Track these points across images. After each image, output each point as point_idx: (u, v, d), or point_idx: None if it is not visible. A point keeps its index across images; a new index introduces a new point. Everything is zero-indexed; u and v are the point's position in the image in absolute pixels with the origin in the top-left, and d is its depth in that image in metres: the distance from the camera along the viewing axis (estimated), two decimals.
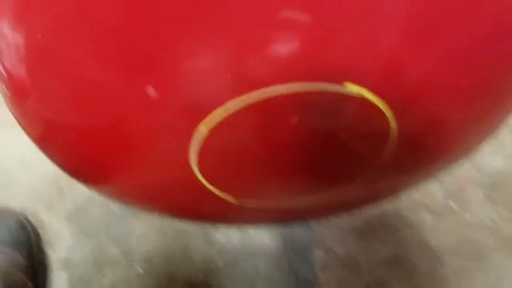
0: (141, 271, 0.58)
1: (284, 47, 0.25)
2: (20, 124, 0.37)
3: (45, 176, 0.63)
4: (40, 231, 0.59)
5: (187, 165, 0.32)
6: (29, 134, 0.37)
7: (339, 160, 0.33)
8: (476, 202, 0.68)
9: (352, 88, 0.27)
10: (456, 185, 0.69)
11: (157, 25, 0.25)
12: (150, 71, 0.26)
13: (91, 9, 0.25)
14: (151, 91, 0.26)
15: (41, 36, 0.28)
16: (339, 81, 0.27)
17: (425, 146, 0.35)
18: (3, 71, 0.32)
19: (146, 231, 0.61)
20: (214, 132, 0.29)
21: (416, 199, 0.68)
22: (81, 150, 0.35)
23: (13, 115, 0.36)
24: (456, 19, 0.28)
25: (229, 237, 0.62)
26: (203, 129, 0.29)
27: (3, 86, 0.33)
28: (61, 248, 0.59)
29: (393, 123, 0.30)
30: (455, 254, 0.64)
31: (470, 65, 0.30)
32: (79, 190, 0.62)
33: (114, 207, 0.62)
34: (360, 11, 0.25)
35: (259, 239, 0.62)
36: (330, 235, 0.64)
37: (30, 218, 0.60)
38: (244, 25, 0.24)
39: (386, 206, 0.67)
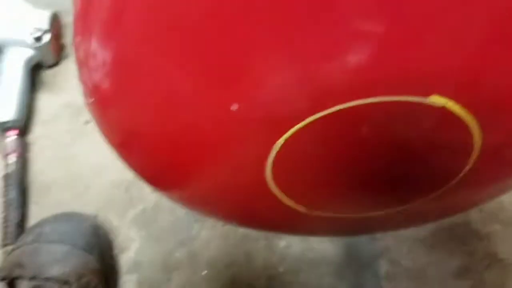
0: (205, 273, 0.59)
1: (364, 61, 0.25)
2: (101, 131, 0.38)
3: (117, 184, 0.66)
4: (111, 236, 0.62)
5: (262, 177, 0.32)
6: (110, 141, 0.39)
7: (417, 175, 0.32)
8: None
9: (437, 100, 0.26)
10: None
11: (242, 41, 0.25)
12: (234, 86, 0.27)
13: (178, 26, 0.26)
14: (235, 107, 0.27)
15: (129, 54, 0.30)
16: (423, 94, 0.26)
17: (507, 158, 0.34)
18: (89, 81, 0.34)
19: (210, 236, 0.62)
20: (289, 143, 0.29)
21: (486, 210, 0.65)
22: (160, 158, 0.36)
23: (96, 122, 0.38)
24: None
25: (291, 244, 0.62)
26: (281, 142, 0.29)
27: (88, 95, 0.35)
28: (131, 252, 0.61)
29: (477, 135, 0.29)
30: None
31: None
32: (148, 197, 0.65)
33: (180, 213, 0.64)
34: (441, 20, 0.25)
35: (322, 248, 0.62)
36: (396, 247, 0.62)
37: (102, 223, 0.62)
38: (324, 41, 0.24)
39: (454, 218, 0.65)
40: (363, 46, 0.25)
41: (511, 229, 0.64)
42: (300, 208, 0.36)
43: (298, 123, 0.28)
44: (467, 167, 0.32)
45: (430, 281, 0.60)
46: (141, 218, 0.64)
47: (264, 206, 0.38)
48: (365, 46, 0.25)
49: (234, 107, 0.27)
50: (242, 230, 0.63)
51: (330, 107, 0.27)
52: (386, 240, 0.62)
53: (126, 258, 0.61)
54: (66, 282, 0.49)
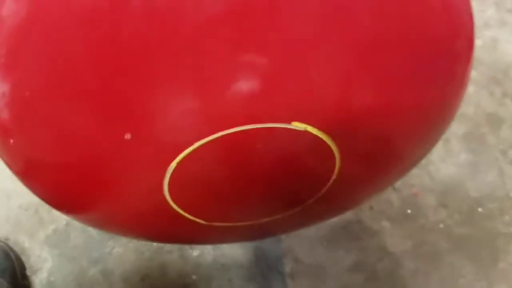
0: None
1: (240, 96, 0.30)
2: (3, 160, 0.40)
3: (25, 207, 0.66)
4: (23, 258, 0.62)
5: (161, 196, 0.36)
6: (11, 169, 0.40)
7: (294, 186, 0.38)
8: (430, 208, 0.74)
9: (298, 126, 0.32)
10: (411, 193, 0.75)
11: (129, 81, 0.29)
12: (125, 119, 0.31)
13: (69, 71, 0.29)
14: (129, 136, 0.31)
15: (26, 87, 0.32)
16: (287, 121, 0.32)
17: (371, 166, 0.41)
18: None
19: (123, 252, 0.65)
20: (181, 165, 0.33)
21: (376, 208, 0.73)
22: (61, 185, 0.39)
23: None
24: (388, 57, 0.33)
25: (203, 252, 0.66)
26: (174, 165, 0.33)
27: None
28: (44, 272, 0.62)
29: (335, 151, 0.35)
30: (412, 257, 0.70)
31: (404, 92, 0.35)
32: (59, 218, 0.66)
33: (93, 232, 0.65)
34: (300, 59, 0.30)
35: (232, 253, 0.66)
36: (298, 246, 0.69)
37: (13, 246, 0.62)
38: (203, 81, 0.29)
39: (349, 217, 0.72)
40: (241, 84, 0.30)
41: (398, 225, 0.73)
42: (200, 221, 0.41)
43: (187, 148, 0.32)
44: (334, 176, 0.38)
45: (329, 276, 0.67)
46: (53, 238, 0.65)
47: (167, 222, 0.41)
48: (242, 84, 0.30)
49: (128, 136, 0.31)
50: (156, 244, 0.66)
51: (212, 134, 0.31)
52: (290, 240, 0.68)
53: (40, 279, 0.62)
54: None
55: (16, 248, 0.63)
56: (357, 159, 0.38)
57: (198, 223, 0.40)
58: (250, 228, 0.44)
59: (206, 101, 0.30)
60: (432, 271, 0.69)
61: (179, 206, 0.37)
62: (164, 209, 0.38)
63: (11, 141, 0.37)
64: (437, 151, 0.81)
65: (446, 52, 0.37)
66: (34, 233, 0.65)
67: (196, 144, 0.32)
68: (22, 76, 0.32)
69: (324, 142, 0.34)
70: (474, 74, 0.95)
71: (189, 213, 0.39)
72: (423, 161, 0.78)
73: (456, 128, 0.83)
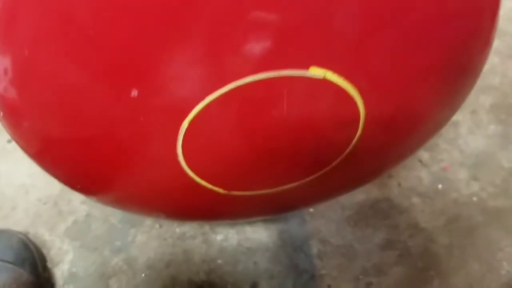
0: (144, 275, 0.60)
1: (250, 43, 0.28)
2: (16, 142, 0.39)
3: (44, 201, 0.66)
4: (44, 251, 0.61)
5: (176, 162, 0.34)
6: (26, 151, 0.39)
7: (317, 145, 0.35)
8: (461, 181, 0.71)
9: (317, 72, 0.30)
10: (441, 168, 0.72)
11: (134, 35, 0.27)
12: (133, 77, 0.29)
13: (72, 26, 0.28)
14: (135, 95, 0.29)
15: (27, 53, 0.30)
16: (304, 67, 0.29)
17: (395, 123, 0.38)
18: None
19: (146, 240, 0.63)
20: (194, 124, 0.31)
21: (405, 186, 0.70)
22: (76, 160, 0.37)
23: (10, 134, 0.38)
24: (411, 5, 0.31)
25: (227, 237, 0.64)
26: (186, 125, 0.31)
27: None
28: (65, 263, 0.61)
29: (361, 104, 0.33)
30: (445, 232, 0.66)
31: (430, 44, 0.33)
32: (78, 209, 0.65)
33: (114, 220, 0.64)
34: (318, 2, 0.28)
35: (257, 237, 0.64)
36: (325, 227, 0.66)
37: (33, 239, 0.61)
38: (213, 28, 0.27)
39: (376, 195, 0.69)
40: (244, 30, 0.28)
41: (429, 200, 0.69)
42: (218, 190, 0.39)
43: (198, 104, 0.30)
44: (358, 133, 0.35)
45: (359, 255, 0.64)
46: (73, 230, 0.64)
47: (184, 193, 0.39)
48: (253, 27, 0.28)
49: (134, 93, 0.29)
50: (178, 230, 0.64)
51: (223, 85, 0.29)
52: (316, 222, 0.66)
53: (61, 270, 0.61)
54: None
55: (37, 241, 0.62)
56: (381, 114, 0.35)
57: (217, 192, 0.38)
58: (270, 198, 0.42)
59: (214, 50, 0.28)
60: (467, 245, 0.66)
61: (195, 173, 0.35)
62: (181, 177, 0.36)
63: (23, 122, 0.36)
64: (466, 124, 0.77)
65: (470, 7, 0.35)
66: (54, 225, 0.64)
67: (208, 99, 0.30)
68: (22, 45, 0.30)
69: (347, 92, 0.31)
70: (498, 44, 0.92)
71: (206, 181, 0.37)
72: (452, 135, 0.76)
73: (483, 100, 0.80)
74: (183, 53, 0.28)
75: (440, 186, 0.71)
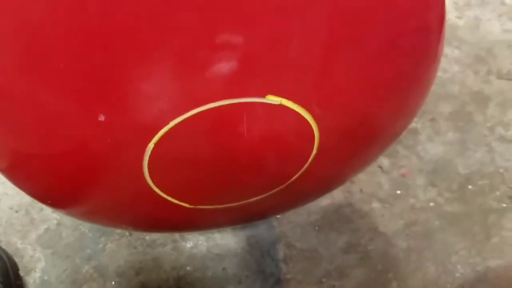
0: (114, 283, 0.62)
1: (213, 72, 0.30)
2: None
3: (16, 209, 0.66)
4: (16, 259, 0.62)
5: (142, 180, 0.36)
6: None
7: (274, 162, 0.38)
8: (420, 187, 0.75)
9: (273, 99, 0.32)
10: (400, 174, 0.76)
11: (103, 64, 0.29)
12: (101, 100, 0.31)
13: (39, 51, 0.29)
14: (102, 117, 0.31)
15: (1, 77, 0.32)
16: (261, 95, 0.32)
17: (350, 138, 0.41)
18: None
19: (116, 247, 0.65)
20: (159, 145, 0.33)
21: (366, 191, 0.74)
22: (44, 176, 0.39)
23: None
24: (361, 31, 0.33)
25: (196, 244, 0.66)
26: (152, 146, 0.33)
27: None
28: (38, 271, 0.62)
29: (314, 126, 0.35)
30: (404, 236, 0.70)
31: (380, 64, 0.36)
32: (50, 217, 0.66)
33: (85, 229, 0.65)
34: (276, 35, 0.31)
35: (225, 243, 0.67)
36: (291, 232, 0.69)
37: (5, 247, 0.62)
38: (178, 59, 0.29)
39: (340, 200, 0.73)
40: (214, 60, 0.30)
41: (388, 205, 0.73)
42: (185, 204, 0.41)
43: (163, 127, 0.32)
44: (314, 151, 0.38)
45: (323, 259, 0.67)
46: (45, 238, 0.65)
47: (152, 208, 0.42)
48: (215, 60, 0.30)
49: (101, 117, 0.31)
50: (148, 237, 0.66)
51: (187, 111, 0.32)
52: (282, 227, 0.69)
53: (33, 278, 0.62)
54: None
55: (9, 249, 0.63)
56: (335, 132, 0.38)
57: (183, 206, 0.41)
58: (236, 210, 0.44)
59: (179, 78, 0.30)
60: (424, 249, 0.70)
61: (161, 190, 0.38)
62: (147, 193, 0.38)
63: None
64: (425, 131, 0.81)
65: (418, 25, 0.38)
66: (26, 233, 0.65)
67: (172, 123, 0.32)
68: None
69: (301, 115, 0.34)
70: (458, 53, 0.96)
71: (172, 197, 0.39)
72: (411, 142, 0.80)
73: (442, 108, 0.84)
74: (149, 81, 0.30)
75: (399, 191, 0.75)
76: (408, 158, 0.77)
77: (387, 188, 0.74)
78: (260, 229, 0.68)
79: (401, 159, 0.77)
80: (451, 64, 0.92)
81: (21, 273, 0.62)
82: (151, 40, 0.29)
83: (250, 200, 0.43)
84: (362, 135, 0.41)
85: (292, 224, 0.69)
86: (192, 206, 0.41)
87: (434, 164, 0.78)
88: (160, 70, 0.30)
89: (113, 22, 0.28)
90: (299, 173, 0.40)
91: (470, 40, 0.94)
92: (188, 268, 0.65)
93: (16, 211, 0.67)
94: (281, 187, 0.42)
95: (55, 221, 0.66)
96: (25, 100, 0.32)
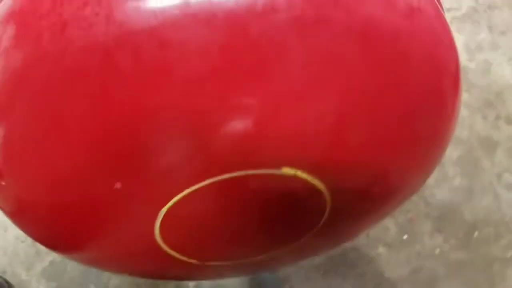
0: None
1: (229, 145, 0.31)
2: None
3: (22, 239, 0.67)
4: None
5: (153, 239, 0.37)
6: (2, 209, 0.41)
7: (285, 226, 0.38)
8: (426, 233, 0.75)
9: (288, 171, 0.33)
10: (407, 219, 0.75)
11: (118, 132, 0.30)
12: (115, 167, 0.31)
13: (59, 121, 0.30)
14: (119, 186, 0.31)
15: (17, 132, 0.33)
16: (277, 167, 0.32)
17: (362, 204, 0.41)
18: None
19: (120, 284, 0.65)
20: (172, 211, 0.34)
21: (373, 236, 0.74)
22: (52, 228, 0.39)
23: None
24: (377, 103, 0.34)
25: (200, 284, 0.66)
26: (164, 211, 0.34)
27: None
28: None
29: (326, 193, 0.36)
30: (409, 283, 0.70)
31: (394, 134, 0.36)
32: None
33: None
34: (288, 111, 0.31)
35: (228, 284, 0.66)
36: (295, 275, 0.69)
37: (9, 279, 0.62)
38: (192, 132, 0.30)
39: (346, 244, 0.72)
40: (229, 133, 0.31)
41: (395, 251, 0.73)
42: (194, 261, 0.41)
43: (177, 195, 0.33)
44: (325, 215, 0.38)
45: None
46: (50, 270, 0.65)
47: (160, 263, 0.42)
48: (231, 133, 0.31)
49: (118, 185, 0.31)
50: None
51: (202, 181, 0.32)
52: (286, 270, 0.69)
53: None
54: None
55: (13, 281, 0.63)
56: (348, 198, 0.38)
57: (192, 263, 0.41)
58: (244, 265, 0.44)
59: (195, 150, 0.31)
60: None
61: (171, 249, 0.38)
62: (156, 251, 0.38)
63: (2, 183, 0.37)
64: (433, 176, 0.80)
65: (434, 91, 0.38)
66: (31, 265, 0.65)
67: (187, 191, 0.32)
68: (12, 125, 0.33)
69: (314, 185, 0.34)
70: (467, 97, 0.96)
71: (182, 255, 0.39)
72: None
73: (450, 152, 0.84)
74: (165, 154, 0.31)
75: (405, 236, 0.74)
76: (415, 203, 0.77)
77: (393, 233, 0.74)
78: (264, 272, 0.68)
79: (408, 203, 0.77)
80: (460, 108, 0.92)
81: None
82: (167, 115, 0.29)
83: (258, 258, 0.43)
84: (377, 199, 0.42)
85: (297, 268, 0.69)
86: (200, 263, 0.41)
87: (441, 209, 0.77)
88: (177, 143, 0.30)
89: (129, 97, 0.29)
90: (309, 234, 0.41)
91: (480, 84, 0.94)
92: None
93: (22, 241, 0.67)
94: (290, 246, 0.42)
95: None
96: (39, 158, 0.32)
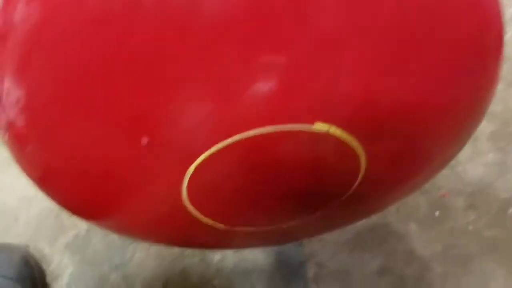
0: None
1: (258, 97, 0.29)
2: (19, 165, 0.39)
3: (46, 214, 0.66)
4: (43, 265, 0.62)
5: (180, 202, 0.35)
6: (28, 175, 0.40)
7: (316, 189, 0.36)
8: (458, 210, 0.72)
9: (321, 127, 0.30)
10: (439, 195, 0.73)
11: (143, 85, 0.28)
12: (140, 124, 0.30)
13: (84, 74, 0.29)
14: (145, 141, 0.30)
15: (40, 93, 0.31)
16: (309, 121, 0.30)
17: (399, 168, 0.39)
18: (3, 117, 0.35)
19: (145, 257, 0.64)
20: (199, 170, 0.32)
21: (403, 211, 0.71)
22: (80, 192, 0.38)
23: (13, 157, 0.39)
24: (416, 53, 0.31)
25: (224, 257, 0.65)
26: (192, 170, 0.32)
27: (4, 131, 0.36)
28: (65, 278, 0.62)
29: (362, 154, 0.33)
30: (440, 260, 0.67)
31: (435, 90, 0.34)
32: (80, 223, 0.65)
33: (114, 237, 0.65)
34: (323, 56, 0.29)
35: (254, 258, 0.65)
36: (322, 251, 0.67)
37: (33, 253, 0.62)
38: (221, 85, 0.28)
39: (375, 220, 0.70)
40: (259, 84, 0.29)
41: (426, 227, 0.70)
42: (221, 226, 0.39)
43: (204, 152, 0.31)
44: (359, 179, 0.36)
45: (354, 281, 0.65)
46: (74, 244, 0.64)
47: (186, 228, 0.40)
48: (260, 84, 0.29)
49: (144, 141, 0.30)
50: (176, 249, 0.65)
51: (230, 136, 0.30)
52: (312, 245, 0.67)
53: (60, 285, 0.61)
54: None
55: (36, 255, 0.62)
56: (383, 161, 0.36)
57: (219, 228, 0.39)
58: (272, 233, 0.42)
59: (223, 102, 0.29)
60: (461, 275, 0.67)
61: (198, 212, 0.36)
62: (183, 214, 0.36)
63: (28, 148, 0.36)
64: (465, 151, 0.77)
65: (476, 47, 0.35)
66: (54, 239, 0.65)
67: (214, 148, 0.31)
68: (35, 82, 0.31)
69: (348, 144, 0.32)
70: (501, 70, 0.92)
71: (209, 218, 0.37)
72: (452, 162, 0.76)
73: (483, 127, 0.81)
74: (192, 107, 0.29)
75: (437, 213, 0.72)
76: (448, 179, 0.74)
77: (425, 210, 0.71)
78: (290, 247, 0.66)
79: (440, 179, 0.74)
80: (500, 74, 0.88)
81: (48, 279, 0.61)
82: (193, 64, 0.27)
83: (286, 224, 0.41)
84: (411, 164, 0.39)
85: (324, 243, 0.67)
86: (227, 228, 0.40)
87: (474, 186, 0.74)
88: (203, 96, 0.28)
89: (153, 45, 0.27)
90: (340, 200, 0.38)
91: None
92: (215, 282, 0.64)
93: (46, 216, 0.67)
94: (319, 213, 0.40)
95: (85, 227, 0.66)
96: (65, 119, 0.31)
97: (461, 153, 0.77)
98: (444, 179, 0.74)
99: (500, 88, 0.85)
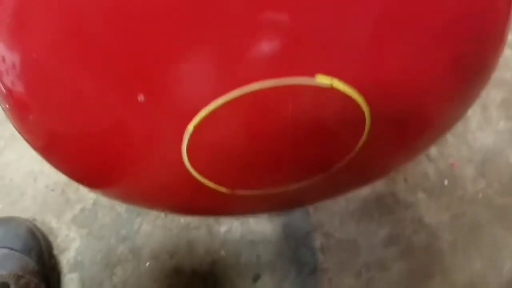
0: (148, 265, 0.61)
1: (258, 49, 0.28)
2: (22, 136, 0.39)
3: (52, 188, 0.66)
4: (51, 238, 0.62)
5: (181, 163, 0.34)
6: (32, 145, 0.40)
7: (320, 148, 0.35)
8: (468, 178, 0.70)
9: (323, 80, 0.29)
10: (448, 164, 0.71)
11: (142, 40, 0.27)
12: (140, 82, 0.29)
13: (80, 31, 0.28)
14: (142, 99, 0.29)
15: (36, 55, 0.31)
16: (310, 74, 0.29)
17: (403, 126, 0.38)
18: (2, 88, 0.34)
19: (151, 229, 0.64)
20: (199, 128, 0.31)
21: (411, 181, 0.70)
22: (82, 157, 0.37)
23: (15, 128, 0.38)
24: (422, 9, 0.30)
25: (231, 229, 0.64)
26: (191, 128, 0.31)
27: (3, 102, 0.35)
28: (72, 251, 0.62)
29: (366, 110, 0.32)
30: (450, 229, 0.66)
31: (440, 45, 0.32)
32: (86, 197, 0.65)
33: (121, 209, 0.65)
34: (330, 7, 0.28)
35: (260, 229, 0.65)
36: (328, 221, 0.66)
37: (40, 227, 0.62)
38: (221, 36, 0.27)
39: (382, 190, 0.69)
40: (254, 36, 0.28)
41: (435, 196, 0.69)
42: (223, 189, 0.39)
43: (203, 108, 0.30)
44: (363, 138, 0.35)
45: (362, 250, 0.65)
46: (81, 218, 0.64)
47: (190, 193, 0.40)
48: (260, 35, 0.28)
49: (141, 97, 0.29)
50: (183, 220, 0.65)
51: (229, 91, 0.29)
52: (319, 215, 0.66)
53: (67, 258, 0.62)
54: (4, 284, 0.49)
55: (44, 229, 0.62)
56: (387, 118, 0.35)
57: (221, 191, 0.39)
58: (275, 197, 0.42)
59: (221, 54, 0.28)
60: (472, 243, 0.66)
61: (199, 173, 0.35)
62: (186, 178, 0.36)
63: (30, 116, 0.36)
64: (475, 119, 0.76)
65: (483, 5, 0.34)
66: (61, 213, 0.65)
67: (213, 104, 0.30)
68: (31, 43, 0.30)
69: (352, 99, 0.31)
70: (510, 37, 0.90)
71: (210, 181, 0.37)
72: (461, 130, 0.75)
73: (494, 95, 0.79)
74: (189, 60, 0.28)
75: (446, 182, 0.70)
76: (457, 147, 0.73)
77: (433, 178, 0.70)
78: (296, 217, 0.66)
79: (449, 147, 0.73)
80: (504, 48, 0.86)
81: (55, 252, 0.61)
82: (193, 19, 0.26)
83: (290, 186, 0.40)
84: (416, 123, 0.38)
85: (330, 213, 0.66)
86: (229, 191, 0.39)
87: (484, 153, 0.73)
88: (201, 49, 0.27)
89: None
90: (345, 160, 0.37)
91: None
92: (222, 253, 0.63)
93: (52, 190, 0.66)
94: (324, 174, 0.39)
95: (91, 201, 0.65)
96: (63, 78, 0.30)
97: (471, 121, 0.76)
98: (454, 148, 0.73)
99: (510, 54, 0.83)
